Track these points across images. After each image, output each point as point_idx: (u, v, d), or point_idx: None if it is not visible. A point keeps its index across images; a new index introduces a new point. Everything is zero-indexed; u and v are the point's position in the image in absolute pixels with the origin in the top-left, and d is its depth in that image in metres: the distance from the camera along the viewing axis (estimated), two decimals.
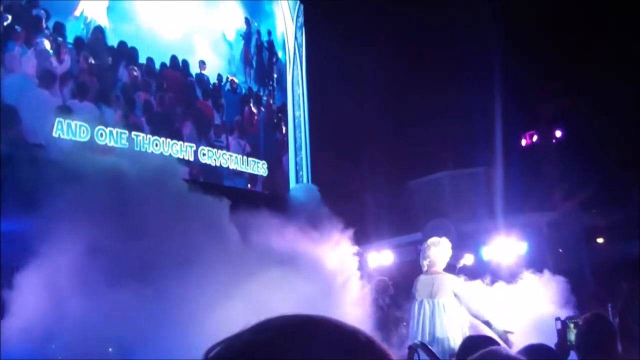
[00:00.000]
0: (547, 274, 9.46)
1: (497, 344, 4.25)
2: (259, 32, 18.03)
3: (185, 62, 15.40)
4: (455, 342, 8.31)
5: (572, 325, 5.50)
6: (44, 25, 12.54)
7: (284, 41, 18.86)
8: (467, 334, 8.50)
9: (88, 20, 13.38)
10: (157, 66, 14.74)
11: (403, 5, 19.67)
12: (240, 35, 17.31)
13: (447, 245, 9.12)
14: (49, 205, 7.97)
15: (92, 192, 8.31)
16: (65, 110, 12.42)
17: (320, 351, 0.95)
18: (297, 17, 19.33)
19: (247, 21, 17.57)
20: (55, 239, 7.96)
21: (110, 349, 8.02)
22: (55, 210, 7.94)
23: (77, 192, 8.18)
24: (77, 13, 13.22)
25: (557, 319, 5.98)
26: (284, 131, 18.31)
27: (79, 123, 12.50)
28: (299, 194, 16.81)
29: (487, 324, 8.68)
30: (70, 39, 12.97)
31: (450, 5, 19.08)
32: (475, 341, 4.57)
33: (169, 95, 14.92)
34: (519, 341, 7.52)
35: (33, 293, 8.03)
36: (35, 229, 7.95)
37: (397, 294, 13.30)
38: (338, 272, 10.26)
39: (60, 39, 12.76)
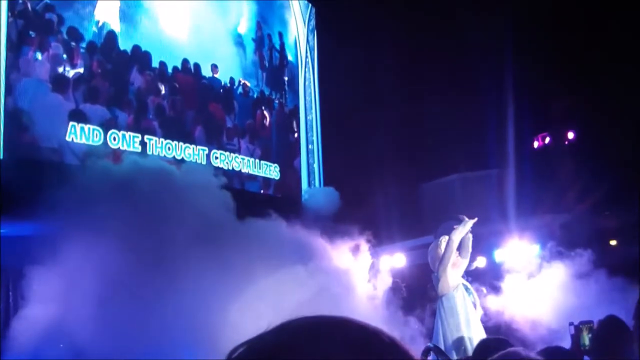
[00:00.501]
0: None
1: (512, 345, 4.25)
2: (270, 36, 18.05)
3: (197, 66, 15.43)
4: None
5: (585, 330, 5.49)
6: (57, 30, 12.60)
7: (295, 44, 18.88)
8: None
9: (100, 24, 13.43)
10: (170, 70, 14.79)
11: (414, 7, 19.65)
12: (252, 38, 17.33)
13: None
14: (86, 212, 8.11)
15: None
16: (79, 114, 12.48)
17: (344, 353, 0.95)
18: (309, 20, 19.34)
19: (258, 24, 17.59)
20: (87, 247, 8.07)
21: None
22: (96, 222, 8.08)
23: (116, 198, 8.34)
24: (90, 17, 13.27)
25: (571, 323, 5.97)
26: (296, 134, 18.33)
27: (92, 127, 12.57)
28: (318, 197, 16.78)
29: None
30: (83, 43, 13.03)
31: (461, 6, 19.06)
32: (491, 343, 4.58)
33: (181, 98, 14.95)
34: None
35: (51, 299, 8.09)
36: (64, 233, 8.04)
37: (409, 296, 13.33)
38: (352, 275, 10.28)
39: (73, 43, 12.82)
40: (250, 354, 0.98)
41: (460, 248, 9.22)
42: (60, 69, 12.48)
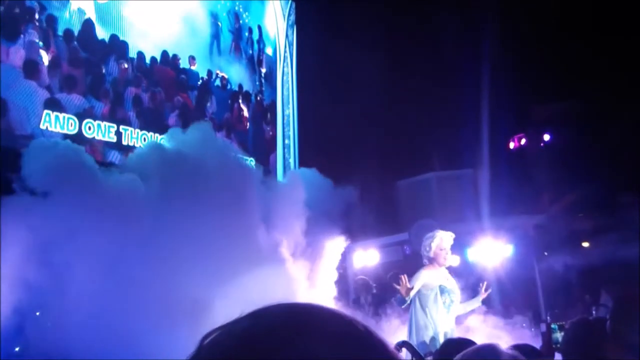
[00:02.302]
0: None
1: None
2: (250, 29, 17.99)
3: (175, 57, 15.34)
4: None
5: (557, 328, 5.51)
6: (36, 17, 12.49)
7: (274, 39, 18.83)
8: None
9: (77, 12, 13.31)
10: (148, 61, 14.69)
11: (394, 5, 19.68)
12: (230, 30, 17.26)
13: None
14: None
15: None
16: (54, 103, 12.37)
17: (319, 339, 0.94)
18: (289, 15, 19.29)
19: (237, 17, 17.52)
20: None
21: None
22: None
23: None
24: (67, 5, 13.16)
25: (543, 321, 5.99)
26: (272, 129, 18.28)
27: (67, 116, 12.48)
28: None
29: None
30: (59, 31, 12.92)
31: (441, 6, 19.10)
32: (454, 342, 4.57)
33: (159, 90, 14.86)
34: None
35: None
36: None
37: (381, 293, 13.34)
38: (322, 268, 10.27)
39: (50, 31, 12.71)
40: (225, 338, 0.96)
41: (437, 257, 9.16)
42: (36, 57, 12.36)
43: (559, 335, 5.44)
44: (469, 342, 4.51)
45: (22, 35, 12.22)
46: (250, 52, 17.97)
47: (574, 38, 20.52)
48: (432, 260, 8.99)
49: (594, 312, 12.11)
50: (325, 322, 0.98)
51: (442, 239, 9.05)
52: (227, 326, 0.98)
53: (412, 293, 8.77)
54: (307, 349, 0.92)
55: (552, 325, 5.62)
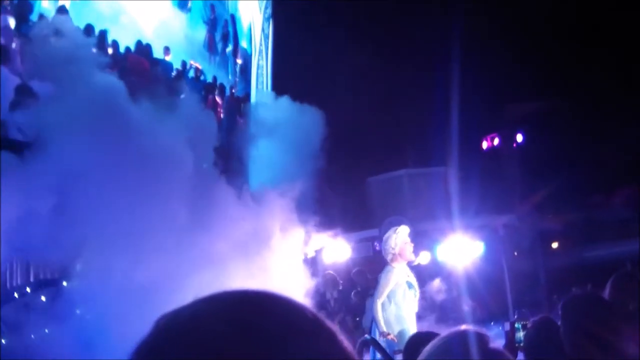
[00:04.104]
0: None
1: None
2: (225, 21, 17.92)
3: (149, 47, 15.24)
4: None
5: (520, 327, 5.53)
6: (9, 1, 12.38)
7: (250, 31, 18.76)
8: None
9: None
10: (122, 50, 14.59)
11: (369, 3, 19.71)
12: (204, 21, 17.19)
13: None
14: None
15: None
16: (25, 90, 12.23)
17: (267, 325, 0.95)
18: (265, 8, 19.22)
19: (212, 7, 17.45)
20: None
21: None
22: None
23: None
24: None
25: (507, 320, 6.03)
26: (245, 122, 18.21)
27: None
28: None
29: None
30: (32, 16, 12.80)
31: (415, 3, 19.16)
32: (423, 336, 4.58)
33: (133, 80, 14.74)
34: None
35: None
36: None
37: (349, 289, 13.36)
38: (286, 258, 10.25)
39: (23, 15, 12.59)
40: (174, 322, 0.98)
41: (404, 251, 9.21)
42: (7, 42, 12.22)
43: (522, 335, 5.47)
44: (436, 336, 4.52)
45: None
46: (225, 44, 17.89)
47: (550, 38, 20.65)
48: (397, 257, 9.04)
49: (560, 312, 12.20)
50: (275, 308, 0.99)
51: (404, 233, 9.14)
52: (177, 310, 0.99)
53: (388, 290, 8.84)
54: (255, 333, 0.93)
55: (516, 325, 5.64)
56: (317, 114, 13.11)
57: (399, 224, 9.52)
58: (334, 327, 1.02)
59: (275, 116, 14.13)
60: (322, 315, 1.02)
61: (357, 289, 13.40)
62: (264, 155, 14.96)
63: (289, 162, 12.45)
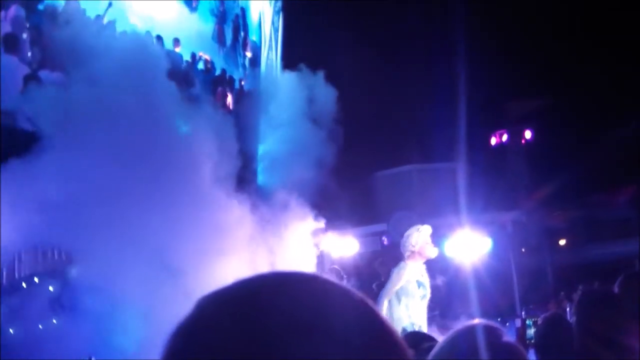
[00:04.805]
0: None
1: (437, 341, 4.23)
2: (234, 13, 17.88)
3: (159, 39, 15.20)
4: None
5: (532, 324, 5.53)
6: None
7: (259, 25, 18.70)
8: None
9: None
10: None
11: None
12: (214, 14, 17.14)
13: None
14: None
15: None
16: (34, 80, 12.23)
17: (315, 307, 0.92)
18: (276, 1, 19.16)
19: (221, 0, 17.41)
20: None
21: None
22: None
23: None
24: None
25: (518, 316, 6.02)
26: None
27: None
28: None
29: None
30: (41, 6, 12.79)
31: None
32: (417, 337, 4.58)
33: None
34: None
35: None
36: None
37: (356, 283, 13.35)
38: (294, 252, 10.27)
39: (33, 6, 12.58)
40: (217, 306, 0.95)
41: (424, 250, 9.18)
42: (18, 32, 12.21)
43: (532, 332, 5.47)
44: (430, 338, 4.53)
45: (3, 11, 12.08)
46: (235, 37, 17.85)
47: (560, 34, 20.59)
48: (415, 255, 9.02)
49: (567, 308, 12.18)
50: (322, 290, 0.96)
51: (427, 232, 9.12)
52: (219, 292, 0.96)
53: (397, 287, 8.83)
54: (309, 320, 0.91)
55: (527, 321, 5.65)
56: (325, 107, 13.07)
57: (408, 220, 9.52)
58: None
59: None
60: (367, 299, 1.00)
61: (381, 279, 13.37)
62: (272, 149, 14.97)
63: (297, 156, 12.42)
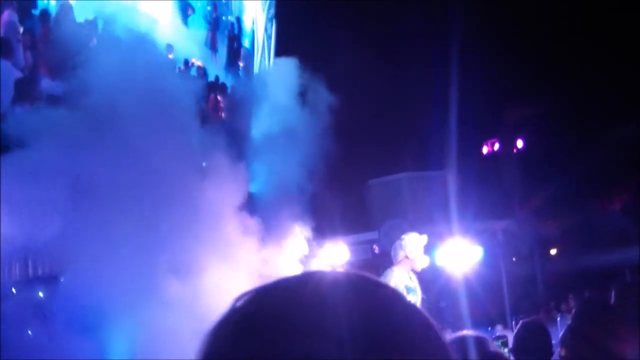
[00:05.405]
0: None
1: None
2: (227, 20, 17.88)
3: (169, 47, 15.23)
4: None
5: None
6: None
7: (252, 32, 18.72)
8: None
9: None
10: None
11: (371, 7, 19.74)
12: (207, 20, 17.14)
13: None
14: None
15: None
16: (27, 84, 12.21)
17: (360, 305, 0.89)
18: (269, 8, 19.19)
19: (214, 6, 17.40)
20: None
21: None
22: None
23: None
24: None
25: (516, 323, 6.07)
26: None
27: None
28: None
29: None
30: (35, 10, 12.78)
31: (417, 9, 19.17)
32: None
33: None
34: None
35: None
36: None
37: None
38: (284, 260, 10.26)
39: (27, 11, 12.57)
40: (258, 305, 0.91)
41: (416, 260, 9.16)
42: (11, 36, 12.19)
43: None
44: None
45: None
46: (228, 43, 17.85)
47: (552, 42, 20.65)
48: (406, 261, 9.01)
49: (558, 318, 12.20)
50: (361, 289, 0.94)
51: (423, 242, 9.11)
52: (260, 290, 0.93)
53: None
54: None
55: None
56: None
57: (400, 228, 9.50)
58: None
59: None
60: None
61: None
62: (264, 157, 14.97)
63: (289, 163, 12.42)
